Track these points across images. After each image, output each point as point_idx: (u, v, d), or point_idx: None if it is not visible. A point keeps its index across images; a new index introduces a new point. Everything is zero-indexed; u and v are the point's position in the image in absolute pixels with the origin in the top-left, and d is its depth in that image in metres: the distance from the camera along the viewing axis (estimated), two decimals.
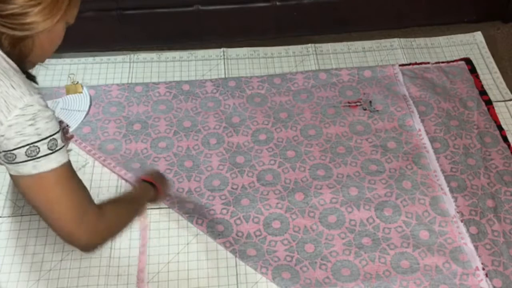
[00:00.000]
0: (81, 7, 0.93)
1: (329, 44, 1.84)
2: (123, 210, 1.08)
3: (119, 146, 1.51)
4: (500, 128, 1.59)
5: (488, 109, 1.64)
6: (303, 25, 1.90)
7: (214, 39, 1.88)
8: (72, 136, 1.50)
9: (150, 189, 1.20)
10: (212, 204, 1.40)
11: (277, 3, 1.82)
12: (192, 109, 1.62)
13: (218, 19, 1.84)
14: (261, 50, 1.82)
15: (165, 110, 1.61)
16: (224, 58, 1.78)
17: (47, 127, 0.87)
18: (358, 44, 1.85)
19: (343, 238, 1.34)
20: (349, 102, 1.65)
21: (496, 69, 1.78)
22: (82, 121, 1.57)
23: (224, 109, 1.62)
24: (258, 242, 1.33)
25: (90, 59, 1.75)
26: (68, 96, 1.62)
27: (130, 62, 1.76)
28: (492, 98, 1.68)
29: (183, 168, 1.47)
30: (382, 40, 1.87)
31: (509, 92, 1.71)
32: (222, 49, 1.81)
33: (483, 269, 1.28)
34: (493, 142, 1.56)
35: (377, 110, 1.63)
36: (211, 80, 1.70)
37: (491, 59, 1.81)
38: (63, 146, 0.90)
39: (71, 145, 1.51)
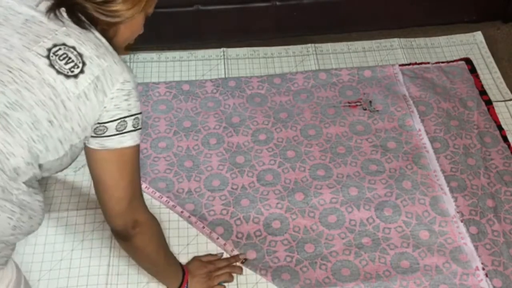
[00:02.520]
0: None
1: (329, 44, 1.84)
2: (165, 242, 1.14)
3: None
4: (500, 128, 1.59)
5: (488, 109, 1.64)
6: (303, 25, 1.90)
7: (214, 39, 1.87)
8: None
9: (180, 275, 1.20)
10: (212, 204, 1.40)
11: (277, 3, 1.82)
12: (192, 109, 1.62)
13: (218, 19, 1.84)
14: (261, 50, 1.82)
15: (165, 110, 1.61)
16: (224, 58, 1.78)
17: (136, 105, 0.93)
18: (358, 44, 1.85)
19: (343, 238, 1.34)
20: (349, 102, 1.65)
21: (496, 69, 1.78)
22: None
23: (224, 109, 1.62)
24: (258, 242, 1.33)
25: None
26: None
27: (130, 62, 1.76)
28: (492, 98, 1.68)
29: (183, 168, 1.47)
30: (382, 40, 1.87)
31: (509, 92, 1.71)
32: (222, 49, 1.81)
33: (483, 269, 1.28)
34: (493, 142, 1.56)
35: (377, 110, 1.62)
36: (211, 80, 1.70)
37: (491, 59, 1.81)
38: (141, 128, 0.96)
39: None
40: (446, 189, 1.43)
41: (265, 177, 1.46)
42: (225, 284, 1.27)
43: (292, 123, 1.59)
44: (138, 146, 0.98)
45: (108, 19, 0.90)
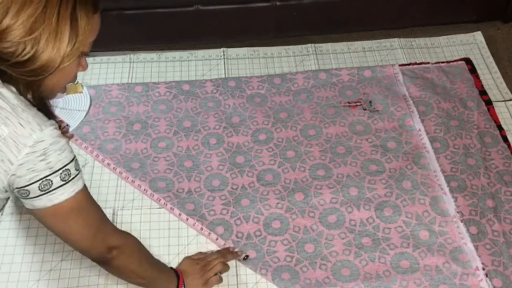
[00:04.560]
0: None
1: (329, 44, 1.84)
2: (147, 253, 1.12)
3: (119, 146, 1.51)
4: (500, 128, 1.59)
5: (488, 109, 1.64)
6: (303, 25, 1.90)
7: (214, 39, 1.88)
8: (72, 136, 1.51)
9: (173, 279, 1.18)
10: (212, 204, 1.40)
11: (277, 3, 1.82)
12: (192, 109, 1.62)
13: (218, 19, 1.84)
14: (261, 50, 1.82)
15: (165, 110, 1.61)
16: (224, 58, 1.78)
17: (59, 159, 0.87)
18: (358, 44, 1.85)
19: (343, 238, 1.34)
20: (349, 102, 1.65)
21: (496, 69, 1.78)
22: (82, 121, 1.57)
23: (224, 109, 1.62)
24: (258, 242, 1.33)
25: (90, 59, 1.75)
26: (68, 95, 1.62)
27: (130, 62, 1.76)
28: (492, 98, 1.68)
29: (183, 168, 1.47)
30: (382, 40, 1.86)
31: (509, 92, 1.71)
32: (222, 49, 1.81)
33: (483, 269, 1.28)
34: (493, 142, 1.56)
35: (377, 110, 1.63)
36: (211, 80, 1.70)
37: (491, 59, 1.81)
38: (78, 174, 0.90)
39: (71, 144, 1.51)
40: (446, 189, 1.43)
41: (265, 177, 1.46)
42: (226, 284, 1.27)
43: (292, 123, 1.59)
44: (79, 192, 0.90)
45: (30, 78, 0.83)
